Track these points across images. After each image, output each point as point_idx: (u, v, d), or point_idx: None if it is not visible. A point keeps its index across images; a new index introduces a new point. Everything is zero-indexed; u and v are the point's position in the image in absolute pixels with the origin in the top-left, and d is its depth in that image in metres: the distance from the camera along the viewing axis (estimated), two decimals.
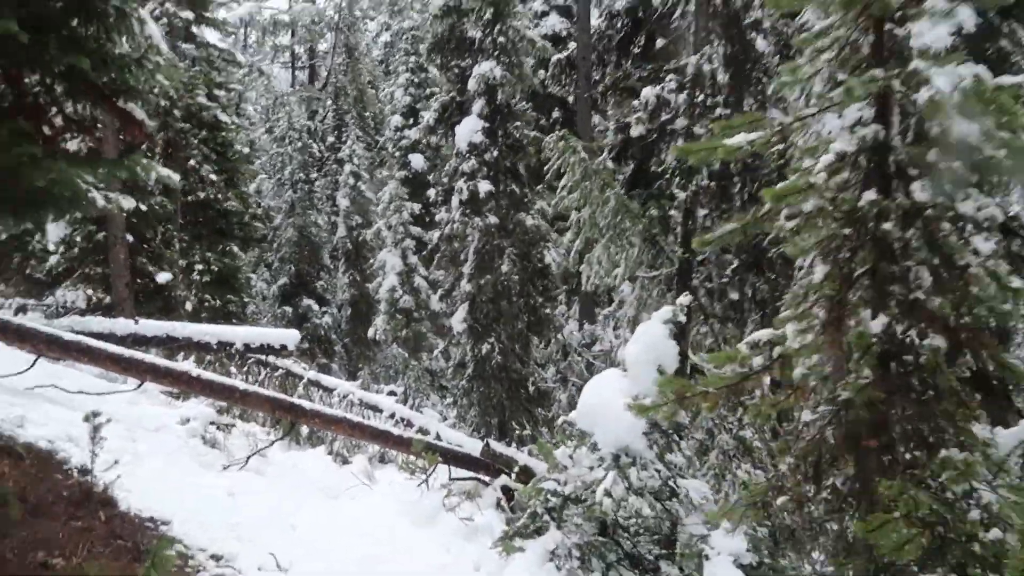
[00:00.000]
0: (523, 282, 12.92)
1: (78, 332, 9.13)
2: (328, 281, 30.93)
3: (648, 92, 9.04)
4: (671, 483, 5.00)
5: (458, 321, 13.03)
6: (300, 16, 34.61)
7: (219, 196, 20.93)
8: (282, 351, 9.97)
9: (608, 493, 4.76)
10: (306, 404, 8.17)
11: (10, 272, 16.24)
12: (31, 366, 7.35)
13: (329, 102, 36.29)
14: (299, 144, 30.31)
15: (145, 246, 13.46)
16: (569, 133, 7.32)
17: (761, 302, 11.24)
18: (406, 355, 21.39)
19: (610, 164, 7.32)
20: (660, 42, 13.98)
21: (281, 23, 35.09)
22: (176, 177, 6.07)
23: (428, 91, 19.93)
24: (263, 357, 10.00)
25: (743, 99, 7.85)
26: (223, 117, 22.10)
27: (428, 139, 21.01)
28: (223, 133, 22.00)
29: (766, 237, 5.75)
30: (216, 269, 20.86)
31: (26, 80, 4.88)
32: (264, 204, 33.67)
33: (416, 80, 20.88)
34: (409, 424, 11.55)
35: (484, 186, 12.48)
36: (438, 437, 11.34)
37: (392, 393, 24.30)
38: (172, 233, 14.41)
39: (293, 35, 35.51)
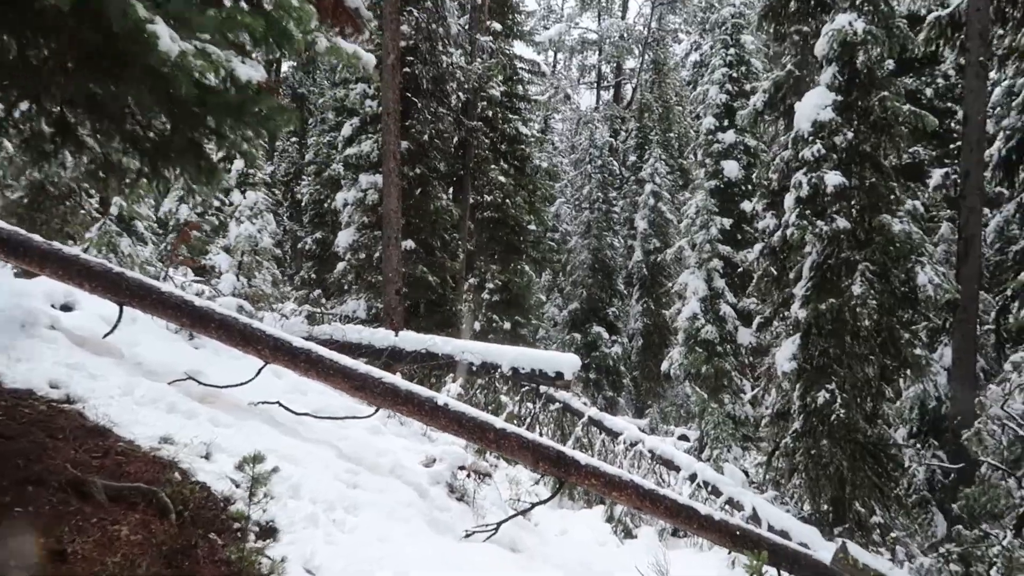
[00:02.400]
0: (881, 310, 9.44)
1: (328, 341, 7.86)
2: (620, 308, 29.04)
3: None
4: None
5: (784, 359, 9.91)
6: (608, 32, 33.50)
7: (514, 209, 19.94)
8: (557, 380, 7.83)
9: None
10: (580, 457, 5.86)
11: (329, 280, 16.46)
12: (255, 376, 5.98)
13: (632, 122, 34.68)
14: (599, 162, 28.91)
15: (426, 253, 12.37)
16: None
17: None
18: (704, 395, 18.32)
19: None
20: None
21: (589, 42, 34.32)
22: (371, 60, 4.10)
23: (750, 86, 16.97)
24: (535, 386, 7.96)
25: None
26: (524, 130, 21.25)
27: (745, 140, 17.98)
28: (522, 147, 21.11)
29: None
30: (506, 287, 19.86)
31: None
32: (562, 228, 32.94)
33: (734, 75, 17.97)
34: (715, 492, 8.75)
35: (833, 179, 9.31)
36: (754, 515, 8.37)
37: (684, 437, 21.46)
38: (457, 243, 13.21)
39: (600, 52, 34.53)
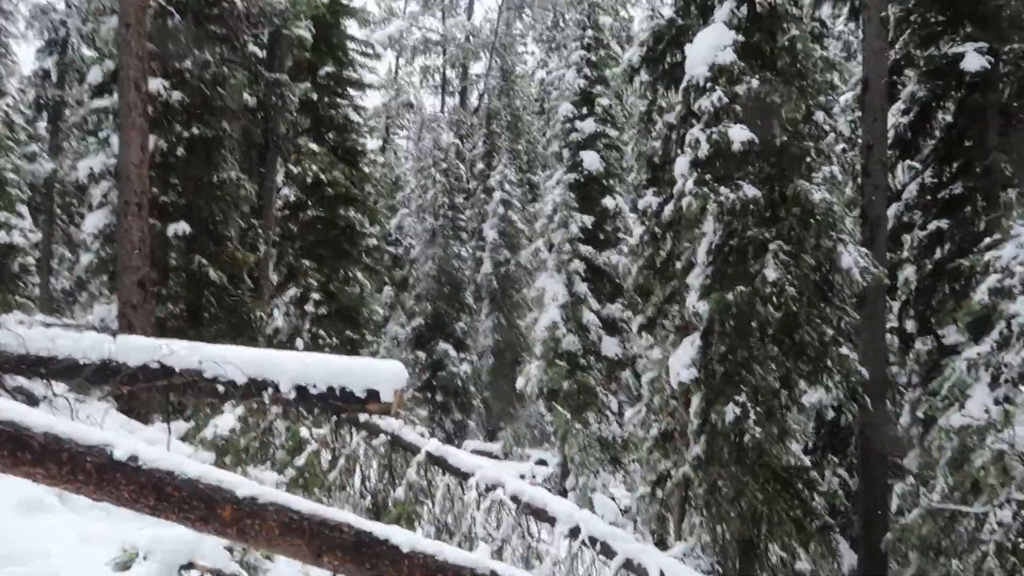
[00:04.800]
0: (801, 301, 7.45)
1: None
2: (469, 324, 26.64)
3: None
4: None
5: (682, 366, 7.70)
6: (453, 32, 31.23)
7: (343, 210, 16.94)
8: (369, 402, 5.00)
9: None
10: (400, 538, 3.13)
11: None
12: None
13: (480, 129, 32.59)
14: (444, 166, 26.46)
15: (214, 243, 9.14)
16: None
17: None
18: (567, 415, 16.00)
19: None
20: None
21: (432, 42, 31.90)
22: None
23: (608, 72, 15.10)
24: (338, 414, 5.14)
25: None
26: (355, 117, 18.35)
27: (606, 131, 16.01)
28: (352, 135, 18.19)
29: None
30: (334, 297, 16.78)
31: None
32: (405, 242, 30.13)
33: (592, 59, 16.06)
34: (606, 550, 6.26)
35: (739, 133, 7.25)
36: None
37: (542, 462, 19.03)
38: (257, 231, 10.07)
39: (444, 54, 32.22)
